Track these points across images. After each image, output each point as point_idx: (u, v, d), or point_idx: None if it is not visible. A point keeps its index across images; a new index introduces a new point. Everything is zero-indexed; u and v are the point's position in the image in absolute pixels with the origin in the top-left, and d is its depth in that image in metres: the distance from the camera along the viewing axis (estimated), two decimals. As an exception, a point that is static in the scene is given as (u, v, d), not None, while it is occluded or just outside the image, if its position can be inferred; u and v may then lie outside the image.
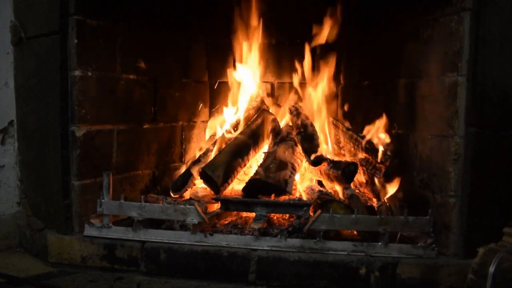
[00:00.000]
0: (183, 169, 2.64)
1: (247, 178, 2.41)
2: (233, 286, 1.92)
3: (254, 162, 2.64)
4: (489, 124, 1.81)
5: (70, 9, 2.02)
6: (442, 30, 1.93)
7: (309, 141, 2.46)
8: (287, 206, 2.08)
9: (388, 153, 2.28)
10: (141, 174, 2.44)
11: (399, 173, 2.21)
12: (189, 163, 2.62)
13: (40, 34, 2.14)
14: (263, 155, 2.53)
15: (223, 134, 2.70)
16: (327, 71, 2.77)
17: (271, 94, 2.95)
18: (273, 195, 2.24)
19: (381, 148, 2.30)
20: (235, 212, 2.29)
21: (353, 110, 2.74)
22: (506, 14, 1.77)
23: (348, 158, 2.54)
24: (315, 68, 2.78)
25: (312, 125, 2.59)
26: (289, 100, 2.87)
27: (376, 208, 2.23)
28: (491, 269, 1.52)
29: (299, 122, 2.60)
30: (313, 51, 2.79)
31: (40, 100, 2.18)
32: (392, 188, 2.23)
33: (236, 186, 2.55)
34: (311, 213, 2.09)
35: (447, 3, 1.88)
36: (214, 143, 2.64)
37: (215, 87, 3.01)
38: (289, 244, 1.95)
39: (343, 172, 2.26)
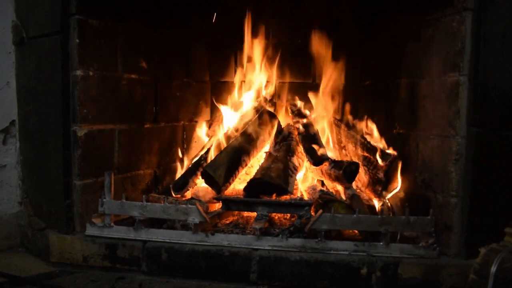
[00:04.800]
0: (184, 168, 2.64)
1: (248, 178, 2.42)
2: (234, 286, 1.92)
3: (256, 161, 2.64)
4: (490, 124, 1.81)
5: (72, 9, 2.02)
6: (444, 30, 1.93)
7: (310, 141, 2.46)
8: (288, 206, 2.08)
9: (389, 153, 2.27)
10: (143, 174, 2.45)
11: (400, 173, 2.21)
12: (190, 163, 2.62)
13: (42, 34, 2.15)
14: (264, 155, 2.53)
15: (224, 134, 2.71)
16: (329, 71, 2.77)
17: (273, 94, 2.95)
18: (274, 195, 2.24)
19: (382, 148, 2.30)
20: (236, 212, 2.29)
21: (354, 110, 2.74)
22: (507, 14, 1.77)
23: (349, 158, 2.54)
24: (317, 68, 2.77)
25: (313, 125, 2.59)
26: (291, 100, 2.87)
27: (377, 208, 2.23)
28: (493, 269, 1.51)
29: (300, 121, 2.60)
30: (314, 51, 2.79)
31: (42, 100, 2.18)
32: (393, 188, 2.23)
33: (238, 185, 2.55)
34: (313, 213, 2.09)
35: (448, 3, 1.88)
36: (216, 143, 2.64)
37: (217, 87, 3.01)
38: (291, 244, 1.95)
39: (345, 172, 2.26)
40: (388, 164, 2.23)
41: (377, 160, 2.30)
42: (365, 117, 2.53)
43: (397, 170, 2.21)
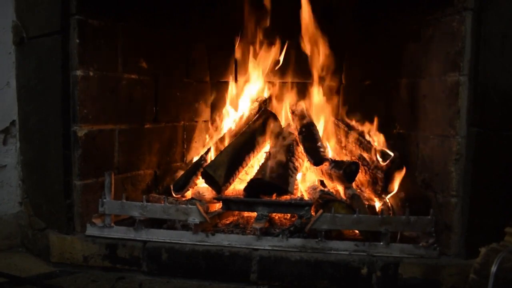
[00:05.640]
0: (185, 169, 2.64)
1: (248, 178, 2.42)
2: (235, 286, 1.92)
3: (256, 162, 2.64)
4: (491, 124, 1.81)
5: (72, 9, 2.03)
6: (444, 29, 1.93)
7: (310, 141, 2.46)
8: (288, 205, 2.09)
9: (389, 153, 2.27)
10: (143, 174, 2.45)
11: (400, 173, 2.21)
12: (191, 163, 2.62)
13: (42, 34, 2.15)
14: (264, 155, 2.53)
15: (225, 134, 2.71)
16: (329, 71, 2.77)
17: (273, 94, 2.95)
18: (274, 195, 2.24)
19: (382, 148, 2.30)
20: (236, 212, 2.29)
21: (355, 110, 2.73)
22: (507, 14, 1.77)
23: (349, 157, 2.54)
24: (317, 67, 2.77)
25: (313, 124, 2.59)
26: (291, 100, 2.87)
27: (377, 208, 2.23)
28: (493, 269, 1.51)
29: (300, 121, 2.60)
30: (315, 51, 2.79)
31: (42, 100, 2.18)
32: (393, 188, 2.22)
33: (238, 185, 2.55)
34: (313, 213, 2.09)
35: (448, 3, 1.88)
36: (216, 143, 2.64)
37: (217, 87, 3.01)
38: (291, 244, 1.95)
39: (345, 171, 2.26)
40: (388, 164, 2.23)
41: (377, 160, 2.31)
42: (365, 117, 2.53)
43: (397, 170, 2.21)
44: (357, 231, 2.09)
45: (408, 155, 2.20)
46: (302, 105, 2.79)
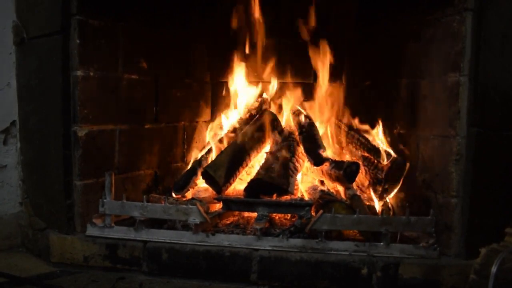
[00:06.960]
0: (185, 169, 2.64)
1: (249, 178, 2.42)
2: (235, 286, 1.92)
3: (256, 162, 2.64)
4: (491, 124, 1.81)
5: (72, 9, 2.02)
6: (444, 30, 1.93)
7: (311, 141, 2.46)
8: (289, 206, 2.09)
9: (391, 152, 2.28)
10: (143, 174, 2.45)
11: (401, 173, 2.21)
12: (191, 163, 2.62)
13: (42, 34, 2.15)
14: (265, 155, 2.54)
15: (225, 134, 2.71)
16: (329, 71, 2.77)
17: (273, 94, 2.95)
18: (275, 195, 2.24)
19: (382, 149, 2.31)
20: (237, 212, 2.29)
21: (355, 110, 2.73)
22: (507, 14, 1.77)
23: (350, 158, 2.54)
24: (317, 68, 2.77)
25: (314, 125, 2.60)
26: (291, 100, 2.87)
27: (378, 208, 2.23)
28: (493, 269, 1.51)
29: (301, 122, 2.60)
30: (315, 51, 2.79)
31: (42, 100, 2.18)
32: (394, 188, 2.23)
33: (238, 186, 2.55)
34: (313, 213, 2.09)
35: (448, 3, 1.88)
36: (216, 143, 2.64)
37: (217, 88, 3.01)
38: (291, 244, 1.95)
39: (345, 172, 2.26)
40: (389, 165, 2.23)
41: (377, 161, 2.31)
42: (366, 117, 2.53)
43: (398, 170, 2.20)
44: (357, 232, 2.08)
45: (409, 156, 2.20)
46: (303, 105, 2.80)
